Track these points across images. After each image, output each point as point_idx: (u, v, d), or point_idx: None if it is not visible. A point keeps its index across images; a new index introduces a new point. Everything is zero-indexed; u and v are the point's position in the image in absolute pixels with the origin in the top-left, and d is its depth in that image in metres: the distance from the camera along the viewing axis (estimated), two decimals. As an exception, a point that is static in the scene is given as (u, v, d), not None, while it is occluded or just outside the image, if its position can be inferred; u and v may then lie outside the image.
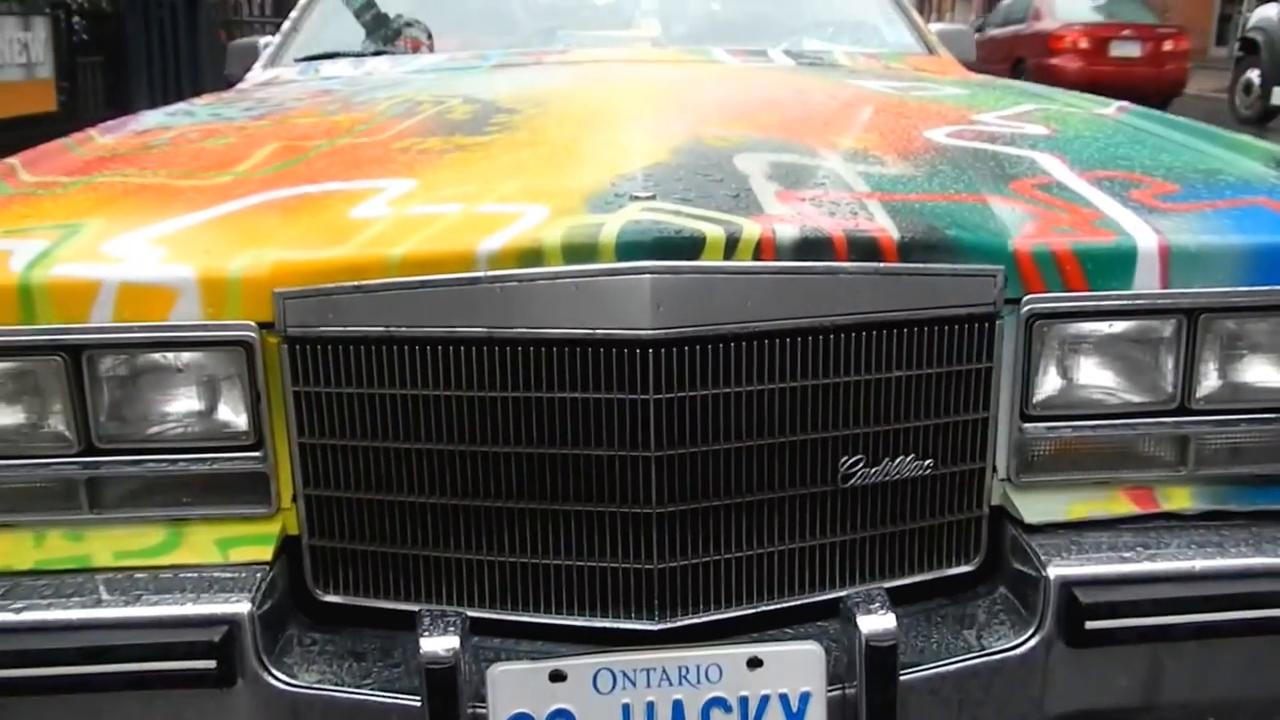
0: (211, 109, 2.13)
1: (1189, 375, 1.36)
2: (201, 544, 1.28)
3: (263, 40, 3.13)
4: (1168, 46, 14.44)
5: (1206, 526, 1.35)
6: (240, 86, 2.70)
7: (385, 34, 2.96)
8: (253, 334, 1.23)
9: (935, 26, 3.14)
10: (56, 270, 1.22)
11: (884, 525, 1.32)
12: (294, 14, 3.09)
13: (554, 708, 1.16)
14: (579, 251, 1.20)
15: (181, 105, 2.26)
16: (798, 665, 1.18)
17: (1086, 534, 1.33)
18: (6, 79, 8.56)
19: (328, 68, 2.69)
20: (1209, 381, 1.37)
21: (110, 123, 2.00)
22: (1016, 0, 15.53)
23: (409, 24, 3.00)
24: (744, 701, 1.18)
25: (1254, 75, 14.38)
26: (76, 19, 9.78)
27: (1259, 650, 1.32)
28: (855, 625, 1.18)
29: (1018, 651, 1.27)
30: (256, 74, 2.80)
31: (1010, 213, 1.36)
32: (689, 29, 2.97)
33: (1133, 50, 14.21)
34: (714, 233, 1.21)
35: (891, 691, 1.18)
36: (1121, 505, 1.37)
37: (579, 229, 1.21)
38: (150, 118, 2.06)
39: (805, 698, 1.18)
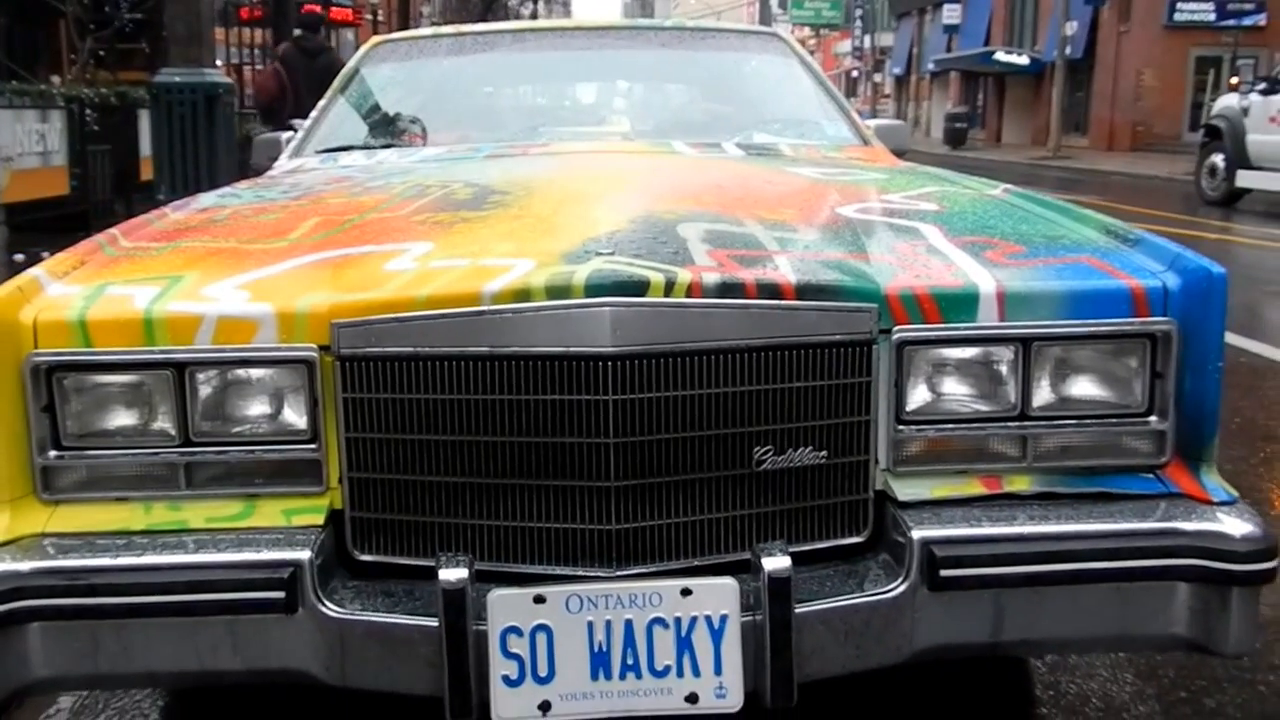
0: (254, 192, 2.55)
1: (1027, 389, 1.74)
2: (270, 512, 1.68)
3: (284, 135, 3.61)
4: None
5: (1040, 504, 1.73)
6: (271, 173, 3.13)
7: (391, 130, 3.44)
8: (314, 354, 1.64)
9: (874, 122, 3.62)
10: (172, 306, 1.64)
11: (789, 502, 1.71)
12: (314, 113, 3.56)
13: (536, 623, 1.55)
14: (557, 291, 1.61)
15: (229, 189, 2.70)
16: (719, 594, 1.58)
17: (945, 509, 1.71)
18: (27, 166, 9.15)
19: (345, 158, 3.13)
20: (1043, 394, 1.76)
21: (177, 203, 2.44)
22: None
23: (412, 121, 3.50)
24: (678, 621, 1.57)
25: (1218, 159, 15.03)
26: (88, 111, 10.39)
27: (1078, 598, 1.69)
28: (760, 565, 1.58)
29: (890, 595, 1.65)
30: (283, 163, 3.24)
31: (887, 266, 1.78)
32: (655, 125, 3.45)
33: None
34: (657, 278, 1.63)
35: (788, 615, 1.56)
36: (975, 488, 1.75)
37: (557, 275, 1.63)
38: (207, 199, 2.49)
39: (724, 619, 1.57)
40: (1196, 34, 29.29)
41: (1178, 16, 29.67)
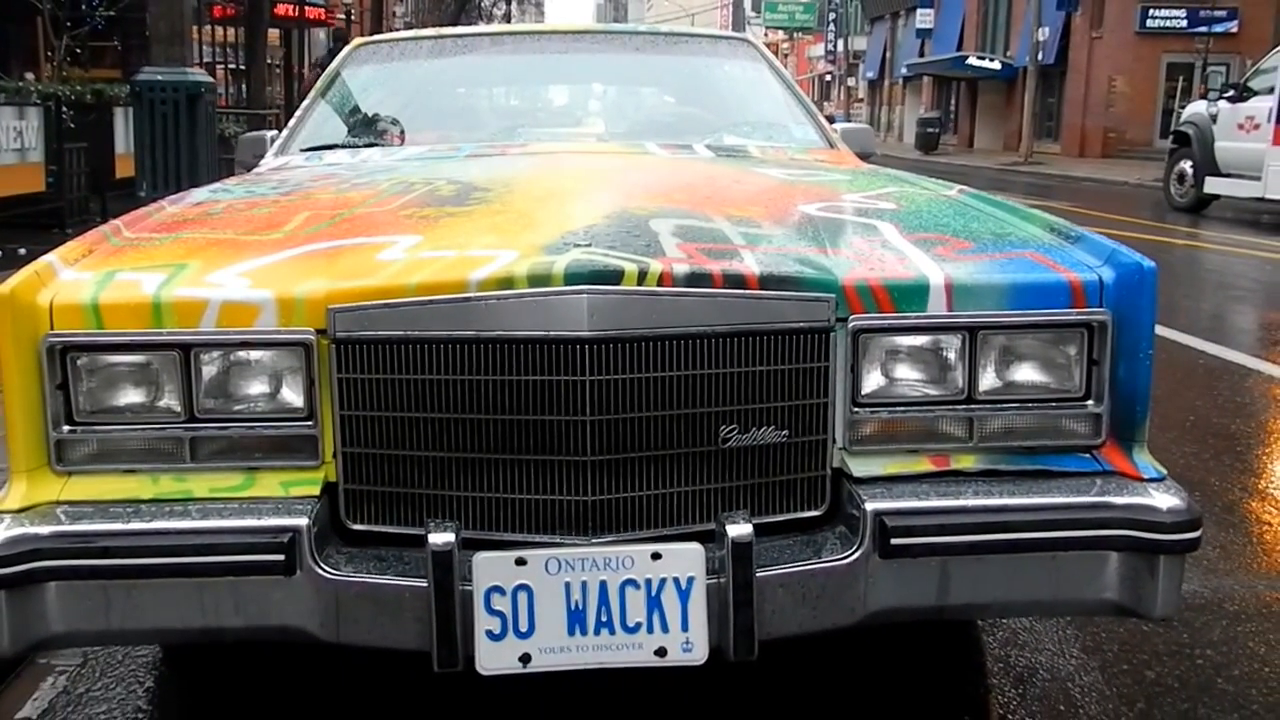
0: (245, 187, 2.66)
1: (973, 375, 1.88)
2: (270, 484, 1.80)
3: (269, 134, 3.72)
4: None
5: (984, 480, 1.87)
6: (258, 170, 3.24)
7: (374, 130, 3.56)
8: (311, 337, 1.76)
9: (841, 126, 3.76)
10: (179, 292, 1.76)
11: (753, 477, 1.84)
12: (298, 112, 3.67)
13: (518, 583, 1.68)
14: (538, 280, 1.74)
15: (219, 185, 2.81)
16: (686, 558, 1.71)
17: (897, 484, 1.84)
18: (4, 163, 9.24)
19: (329, 156, 3.23)
20: (988, 379, 1.89)
21: (172, 197, 2.55)
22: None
23: (394, 121, 3.62)
24: (649, 582, 1.70)
25: (1186, 166, 15.29)
26: (65, 109, 10.44)
27: (1018, 565, 1.82)
28: (725, 531, 1.71)
29: (845, 561, 1.78)
30: (270, 160, 3.35)
31: (844, 260, 1.91)
32: (628, 127, 3.58)
33: None
34: (630, 268, 1.76)
35: (750, 577, 1.70)
36: (924, 466, 1.88)
37: (538, 264, 1.76)
38: (200, 194, 2.59)
39: (691, 580, 1.71)
40: (1168, 40, 29.68)
41: (1150, 23, 30.06)
